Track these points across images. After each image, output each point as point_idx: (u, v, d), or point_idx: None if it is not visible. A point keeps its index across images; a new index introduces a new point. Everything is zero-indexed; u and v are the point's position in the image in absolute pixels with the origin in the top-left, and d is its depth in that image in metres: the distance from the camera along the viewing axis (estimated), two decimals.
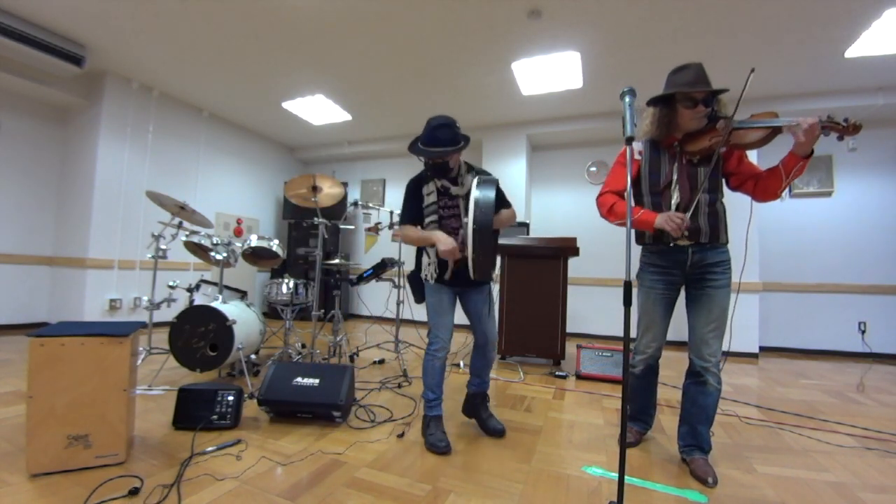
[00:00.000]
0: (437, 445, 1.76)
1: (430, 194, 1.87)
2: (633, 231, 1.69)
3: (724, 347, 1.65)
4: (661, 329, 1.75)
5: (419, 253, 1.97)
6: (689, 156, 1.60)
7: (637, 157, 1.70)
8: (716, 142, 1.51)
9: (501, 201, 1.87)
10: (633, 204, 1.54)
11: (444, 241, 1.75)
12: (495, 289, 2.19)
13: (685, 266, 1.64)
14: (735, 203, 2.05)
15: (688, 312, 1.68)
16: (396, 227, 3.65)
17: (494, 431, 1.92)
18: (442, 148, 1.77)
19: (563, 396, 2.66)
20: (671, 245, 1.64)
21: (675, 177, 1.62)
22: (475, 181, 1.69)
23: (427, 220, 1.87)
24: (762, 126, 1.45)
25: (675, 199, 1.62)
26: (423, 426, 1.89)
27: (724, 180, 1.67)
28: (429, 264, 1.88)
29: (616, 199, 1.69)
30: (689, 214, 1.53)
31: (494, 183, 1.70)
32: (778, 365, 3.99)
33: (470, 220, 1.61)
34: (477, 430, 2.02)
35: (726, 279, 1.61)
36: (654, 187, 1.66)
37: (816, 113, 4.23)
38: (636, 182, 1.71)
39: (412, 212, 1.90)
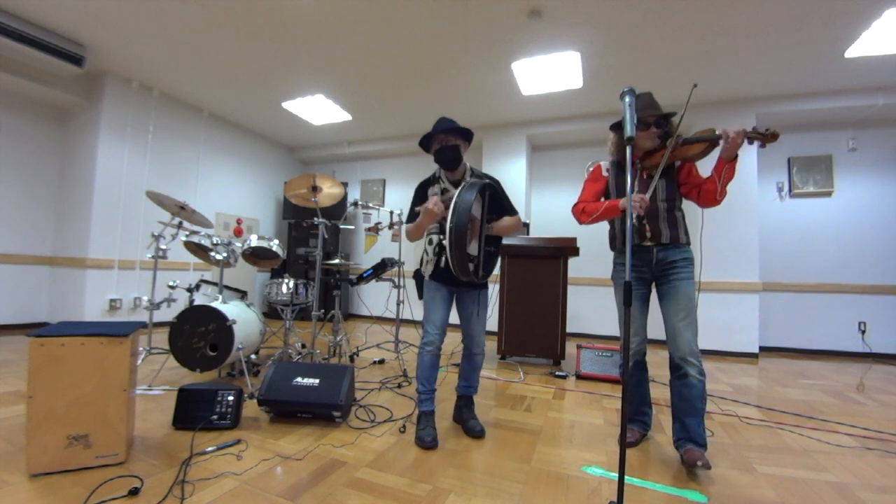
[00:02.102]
0: (423, 440, 1.81)
1: (433, 195, 1.92)
2: (611, 233, 1.98)
3: (725, 347, 1.69)
4: (641, 323, 1.86)
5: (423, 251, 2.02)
6: (647, 171, 1.83)
7: (605, 174, 1.96)
8: (664, 157, 1.73)
9: (505, 208, 1.96)
10: (605, 201, 1.86)
11: (429, 205, 1.75)
12: (495, 289, 2.21)
13: (652, 264, 1.81)
14: (733, 208, 2.11)
15: (661, 309, 1.80)
16: (397, 226, 3.66)
17: (472, 432, 1.94)
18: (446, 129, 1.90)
19: (563, 396, 2.66)
20: (638, 244, 1.82)
21: (635, 189, 1.80)
22: (463, 184, 1.76)
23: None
24: (698, 140, 1.71)
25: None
26: (417, 419, 1.95)
27: (680, 191, 1.86)
28: (427, 262, 1.94)
29: (586, 204, 1.92)
30: (648, 194, 1.71)
31: (477, 186, 1.74)
32: (778, 365, 3.99)
33: (448, 219, 1.67)
34: None
35: (688, 272, 1.76)
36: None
37: (816, 113, 4.26)
38: (605, 195, 1.96)
39: (415, 214, 1.94)
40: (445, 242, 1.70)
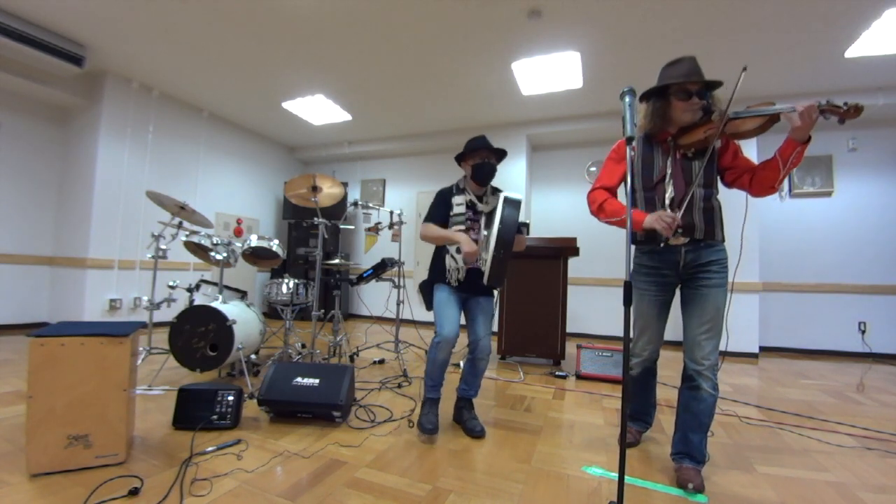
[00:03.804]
0: (424, 426, 1.88)
1: (459, 205, 2.00)
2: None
3: (723, 347, 1.61)
4: (657, 332, 1.71)
5: (440, 259, 2.03)
6: (684, 149, 1.56)
7: (630, 152, 1.69)
8: (711, 133, 1.46)
9: (521, 224, 1.98)
10: (625, 202, 1.54)
11: (468, 242, 1.88)
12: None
13: (678, 266, 1.59)
14: (732, 201, 2.05)
15: (682, 313, 1.62)
16: (397, 226, 3.65)
17: (472, 432, 1.95)
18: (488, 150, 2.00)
19: (563, 396, 2.66)
20: (662, 245, 1.58)
21: (668, 171, 1.57)
22: (502, 199, 1.78)
23: (453, 228, 1.99)
24: (758, 114, 1.41)
25: (668, 194, 1.57)
26: (421, 406, 2.01)
27: (719, 177, 1.62)
28: (457, 269, 1.95)
29: (607, 196, 1.67)
30: (681, 212, 1.48)
31: (519, 204, 1.80)
32: (778, 365, 3.99)
33: (495, 232, 1.74)
34: None
35: (721, 278, 1.54)
36: (647, 182, 1.61)
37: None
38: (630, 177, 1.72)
39: (438, 215, 2.02)
40: (486, 255, 1.80)
